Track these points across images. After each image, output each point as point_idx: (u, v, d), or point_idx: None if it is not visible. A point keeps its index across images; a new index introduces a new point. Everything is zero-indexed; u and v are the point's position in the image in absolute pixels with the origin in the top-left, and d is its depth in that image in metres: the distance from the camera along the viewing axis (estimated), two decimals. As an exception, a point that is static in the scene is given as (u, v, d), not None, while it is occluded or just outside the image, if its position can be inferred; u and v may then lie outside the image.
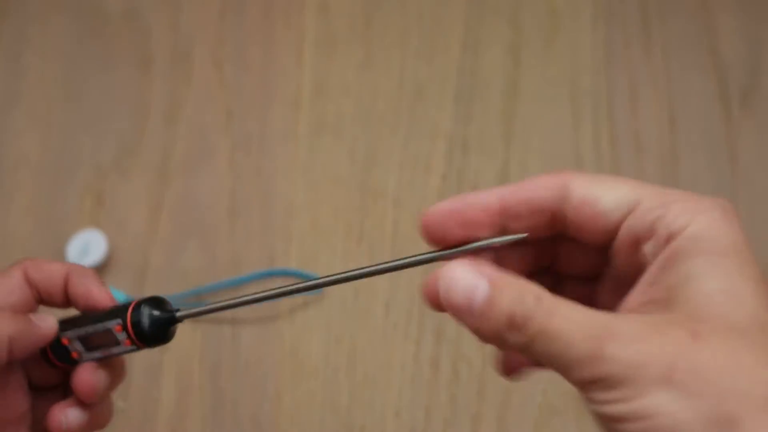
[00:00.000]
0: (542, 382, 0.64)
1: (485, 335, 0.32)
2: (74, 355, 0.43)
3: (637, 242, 0.32)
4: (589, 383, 0.28)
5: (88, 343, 0.43)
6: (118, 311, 0.42)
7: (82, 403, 0.43)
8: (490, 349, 0.66)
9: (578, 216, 0.33)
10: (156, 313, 0.42)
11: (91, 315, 0.43)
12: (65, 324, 0.43)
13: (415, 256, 0.35)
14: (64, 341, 0.43)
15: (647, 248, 0.31)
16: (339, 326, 0.66)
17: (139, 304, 0.42)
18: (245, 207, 0.70)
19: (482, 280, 0.31)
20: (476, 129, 0.72)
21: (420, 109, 0.73)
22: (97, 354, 0.43)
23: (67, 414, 0.43)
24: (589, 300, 0.34)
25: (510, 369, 0.38)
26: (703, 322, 0.28)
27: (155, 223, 0.69)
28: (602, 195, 0.32)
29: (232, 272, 0.68)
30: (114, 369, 0.44)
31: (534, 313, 0.30)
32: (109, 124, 0.73)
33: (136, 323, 0.41)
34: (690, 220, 0.31)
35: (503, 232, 0.34)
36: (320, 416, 0.64)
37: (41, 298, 0.44)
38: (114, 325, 0.42)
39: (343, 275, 0.37)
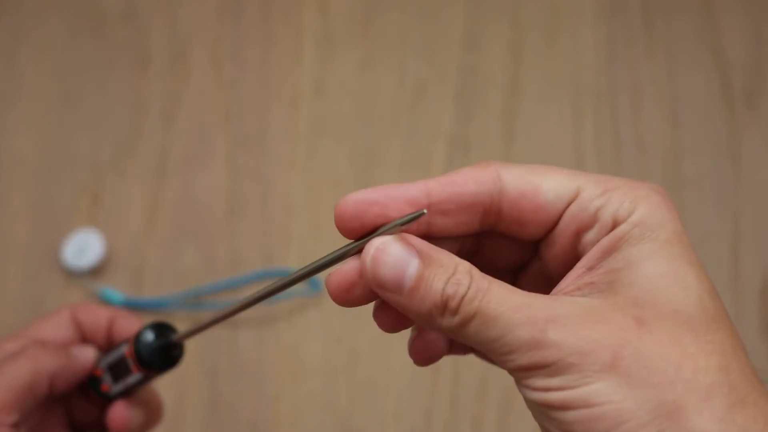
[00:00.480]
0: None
1: (415, 315, 0.30)
2: (105, 387, 0.44)
3: (578, 231, 0.31)
4: (528, 369, 0.27)
5: (114, 373, 0.43)
6: (129, 338, 0.43)
7: None
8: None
9: (515, 209, 0.32)
10: (152, 338, 0.42)
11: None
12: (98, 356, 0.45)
13: (323, 257, 0.33)
14: (97, 372, 0.44)
15: (588, 236, 0.30)
16: (338, 328, 0.66)
17: (141, 329, 0.42)
18: (244, 207, 0.69)
19: (413, 256, 0.29)
20: (477, 129, 0.72)
21: (420, 109, 0.73)
22: (120, 386, 0.43)
23: None
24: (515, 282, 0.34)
25: (427, 355, 0.35)
26: (648, 308, 0.28)
27: (153, 223, 0.69)
28: (541, 185, 0.31)
29: (231, 272, 0.67)
30: (149, 407, 0.44)
31: (470, 293, 0.28)
32: (106, 123, 0.73)
33: (137, 349, 0.42)
34: (634, 207, 0.30)
35: (428, 228, 0.32)
36: (319, 419, 0.63)
37: (85, 338, 0.45)
38: (125, 350, 0.42)
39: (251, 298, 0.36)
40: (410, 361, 0.65)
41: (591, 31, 0.75)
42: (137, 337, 0.42)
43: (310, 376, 0.64)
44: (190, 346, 0.66)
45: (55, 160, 0.71)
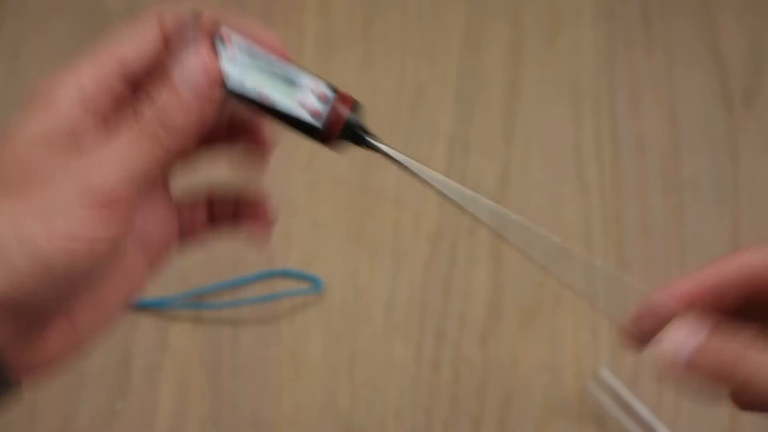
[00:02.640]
0: (543, 383, 0.64)
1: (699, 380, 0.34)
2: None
3: None
4: None
5: (256, 78, 0.35)
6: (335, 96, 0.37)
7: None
8: (490, 350, 0.66)
9: None
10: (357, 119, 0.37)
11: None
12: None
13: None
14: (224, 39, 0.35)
15: None
16: (339, 327, 0.66)
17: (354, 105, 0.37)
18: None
19: (693, 339, 0.33)
20: (477, 129, 0.72)
21: (420, 109, 0.73)
22: (253, 93, 0.35)
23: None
24: None
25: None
26: None
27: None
28: None
29: (232, 272, 0.67)
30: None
31: (733, 370, 0.32)
32: (108, 124, 0.73)
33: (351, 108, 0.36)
34: None
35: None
36: (320, 417, 0.64)
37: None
38: (315, 85, 0.36)
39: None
40: (411, 359, 0.65)
41: (590, 31, 0.75)
42: (354, 102, 0.37)
43: (311, 374, 0.65)
44: (192, 345, 0.66)
45: (58, 161, 0.72)
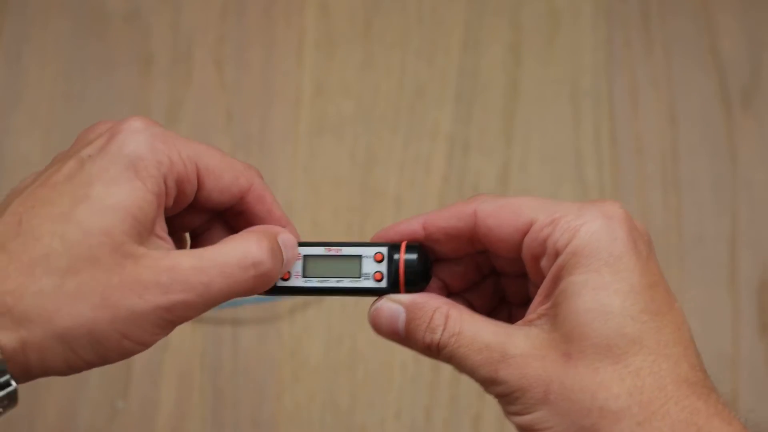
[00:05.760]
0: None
1: (420, 353, 0.37)
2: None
3: (535, 258, 0.36)
4: (496, 396, 0.35)
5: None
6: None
7: None
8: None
9: (487, 241, 0.37)
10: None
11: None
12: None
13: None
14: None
15: (542, 263, 0.35)
16: (339, 326, 0.66)
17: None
18: (245, 207, 0.70)
19: (400, 310, 0.36)
20: (477, 129, 0.72)
21: (420, 109, 0.73)
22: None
23: None
24: (525, 290, 0.39)
25: None
26: (575, 342, 0.33)
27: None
28: (501, 222, 0.36)
29: (233, 272, 0.67)
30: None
31: (443, 340, 0.35)
32: (109, 124, 0.73)
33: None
34: (571, 236, 0.34)
35: (434, 252, 0.39)
36: (320, 417, 0.64)
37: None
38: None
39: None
40: (411, 359, 0.65)
41: (590, 31, 0.75)
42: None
43: (311, 373, 0.65)
44: (193, 345, 0.66)
45: (59, 161, 0.72)
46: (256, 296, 0.39)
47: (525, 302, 0.39)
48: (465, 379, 0.64)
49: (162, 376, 0.65)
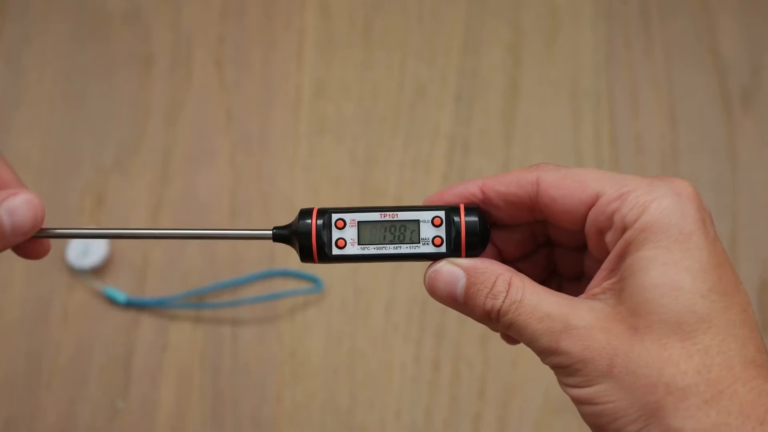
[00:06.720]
0: (543, 382, 0.64)
1: (476, 320, 0.36)
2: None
3: (600, 232, 0.35)
4: (553, 368, 0.34)
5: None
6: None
7: None
8: (490, 350, 0.66)
9: (549, 211, 0.36)
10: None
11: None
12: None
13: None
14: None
15: (608, 237, 0.35)
16: (339, 327, 0.66)
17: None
18: (245, 207, 0.70)
19: (461, 274, 0.36)
20: (477, 129, 0.72)
21: (420, 110, 0.73)
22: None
23: None
24: (579, 264, 0.39)
25: (510, 339, 0.41)
26: (642, 317, 0.33)
27: (156, 224, 0.69)
28: (566, 193, 0.36)
29: (232, 272, 0.68)
30: None
31: (504, 306, 0.35)
32: (110, 124, 0.73)
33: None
34: (641, 212, 0.33)
35: (493, 217, 0.38)
36: (320, 417, 0.64)
37: None
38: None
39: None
40: (411, 359, 0.65)
41: (590, 32, 0.75)
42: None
43: (311, 373, 0.65)
44: (193, 345, 0.67)
45: (60, 161, 0.72)
46: (296, 269, 0.38)
47: (577, 276, 0.40)
48: (465, 379, 0.64)
49: (162, 376, 0.65)
